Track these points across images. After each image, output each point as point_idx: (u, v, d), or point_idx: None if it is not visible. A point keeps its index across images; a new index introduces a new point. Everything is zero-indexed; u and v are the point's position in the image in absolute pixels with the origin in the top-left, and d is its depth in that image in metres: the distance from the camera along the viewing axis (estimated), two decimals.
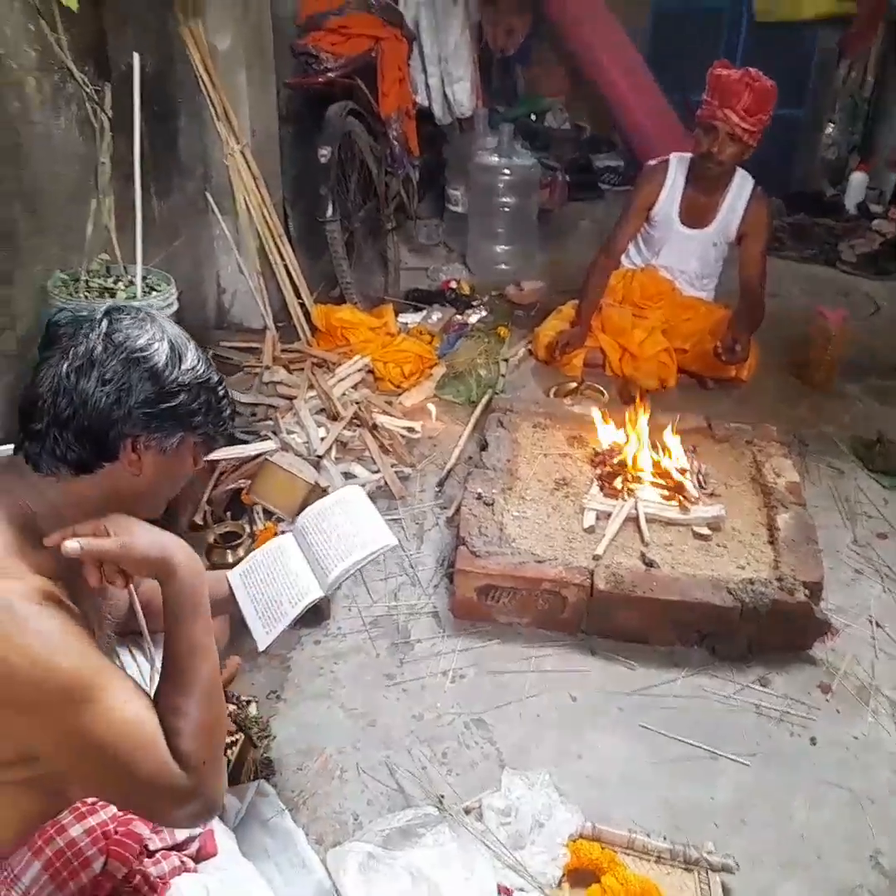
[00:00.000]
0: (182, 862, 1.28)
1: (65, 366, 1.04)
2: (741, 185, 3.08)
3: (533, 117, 5.56)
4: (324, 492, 2.07)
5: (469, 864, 1.49)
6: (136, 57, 2.09)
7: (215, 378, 1.14)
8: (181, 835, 1.30)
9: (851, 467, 2.71)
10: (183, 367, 1.09)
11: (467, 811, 1.60)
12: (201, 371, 1.11)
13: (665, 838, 1.56)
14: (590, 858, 1.49)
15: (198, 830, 1.34)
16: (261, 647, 1.49)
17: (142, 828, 1.22)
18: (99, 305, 1.10)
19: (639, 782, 1.70)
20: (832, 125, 5.38)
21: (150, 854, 1.24)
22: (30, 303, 2.07)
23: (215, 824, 1.42)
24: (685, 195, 3.11)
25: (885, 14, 5.11)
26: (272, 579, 1.53)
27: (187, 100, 2.90)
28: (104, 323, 1.06)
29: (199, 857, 1.33)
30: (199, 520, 2.28)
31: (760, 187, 3.12)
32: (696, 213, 3.13)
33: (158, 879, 1.21)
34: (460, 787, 1.67)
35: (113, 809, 1.21)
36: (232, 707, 1.81)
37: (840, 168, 5.39)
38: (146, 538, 1.06)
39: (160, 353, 1.07)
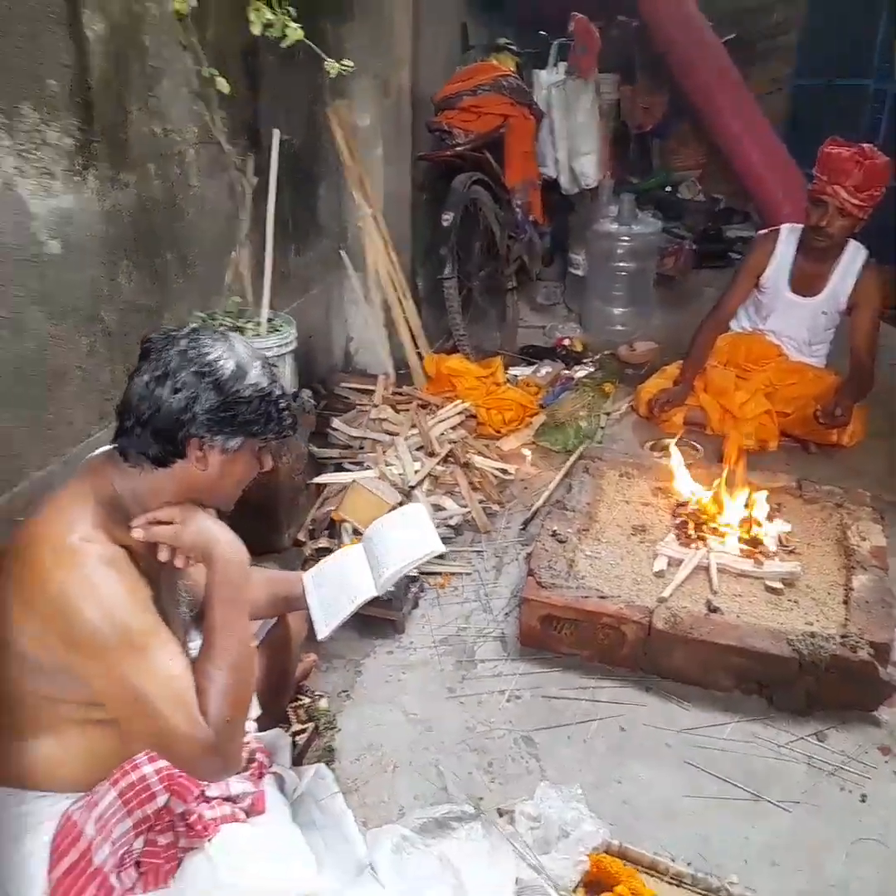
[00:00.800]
0: (233, 812, 1.46)
1: (147, 375, 1.25)
2: (853, 256, 3.10)
3: (668, 189, 5.72)
4: None
5: (494, 859, 1.59)
6: (275, 133, 2.44)
7: (277, 392, 1.31)
8: (236, 788, 1.48)
9: None
10: (246, 381, 1.27)
11: (501, 813, 1.70)
12: (263, 385, 1.29)
13: (689, 864, 1.60)
14: (609, 870, 1.56)
15: (251, 788, 1.52)
16: (319, 637, 1.69)
17: None
18: (188, 326, 1.34)
19: (674, 813, 1.74)
20: None
21: (207, 800, 1.43)
22: None
23: (269, 788, 1.59)
24: (796, 264, 3.16)
25: None
26: (337, 580, 1.73)
27: (329, 169, 3.28)
28: (184, 341, 1.27)
29: (250, 812, 1.51)
30: (301, 537, 2.53)
31: (874, 259, 3.12)
32: (806, 282, 3.16)
33: (211, 821, 1.39)
34: (499, 794, 1.77)
35: None
36: (305, 699, 2.01)
37: None
38: (196, 529, 1.29)
39: (226, 368, 1.26)
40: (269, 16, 2.24)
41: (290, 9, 2.29)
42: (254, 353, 1.33)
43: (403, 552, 1.66)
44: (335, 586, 1.71)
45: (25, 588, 1.20)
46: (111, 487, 1.29)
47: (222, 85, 2.27)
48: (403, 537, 1.68)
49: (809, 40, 5.41)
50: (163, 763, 1.37)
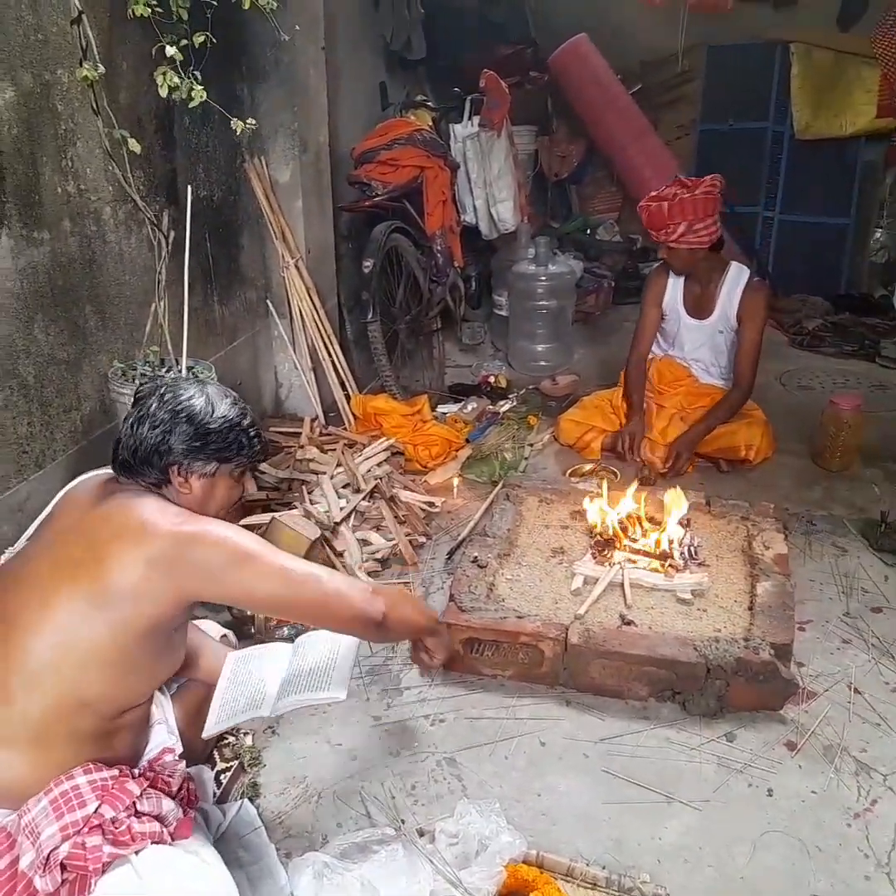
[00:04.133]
0: (161, 831, 1.47)
1: (132, 418, 1.52)
2: (736, 276, 3.30)
3: (588, 231, 5.97)
4: (324, 547, 2.32)
5: (412, 878, 1.63)
6: (188, 188, 2.53)
7: (247, 422, 1.55)
8: (166, 808, 1.49)
9: (857, 546, 2.76)
10: (215, 414, 1.51)
11: (421, 833, 1.74)
12: (231, 416, 1.53)
13: (604, 867, 1.65)
14: (525, 879, 1.60)
15: (179, 813, 1.52)
16: (204, 734, 1.66)
17: (134, 787, 1.43)
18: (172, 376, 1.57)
19: (591, 820, 1.80)
20: (880, 230, 5.51)
21: (138, 814, 1.44)
22: (94, 387, 2.47)
23: (196, 822, 1.61)
24: (686, 289, 3.37)
25: None
26: (250, 678, 1.72)
27: (250, 222, 3.39)
28: (164, 388, 1.54)
29: (175, 836, 1.52)
30: None
31: (758, 279, 3.35)
32: (698, 305, 3.37)
33: (139, 834, 1.40)
34: (421, 815, 1.81)
35: (115, 771, 1.44)
36: (231, 738, 2.03)
37: (890, 270, 5.49)
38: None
39: (196, 404, 1.51)
40: (176, 79, 2.35)
41: (197, 73, 2.41)
42: (224, 392, 1.58)
43: (312, 686, 1.64)
44: (245, 685, 1.70)
45: (171, 563, 1.39)
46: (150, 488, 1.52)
47: (134, 145, 2.36)
48: (322, 667, 1.67)
49: (712, 88, 5.73)
50: (97, 775, 1.41)
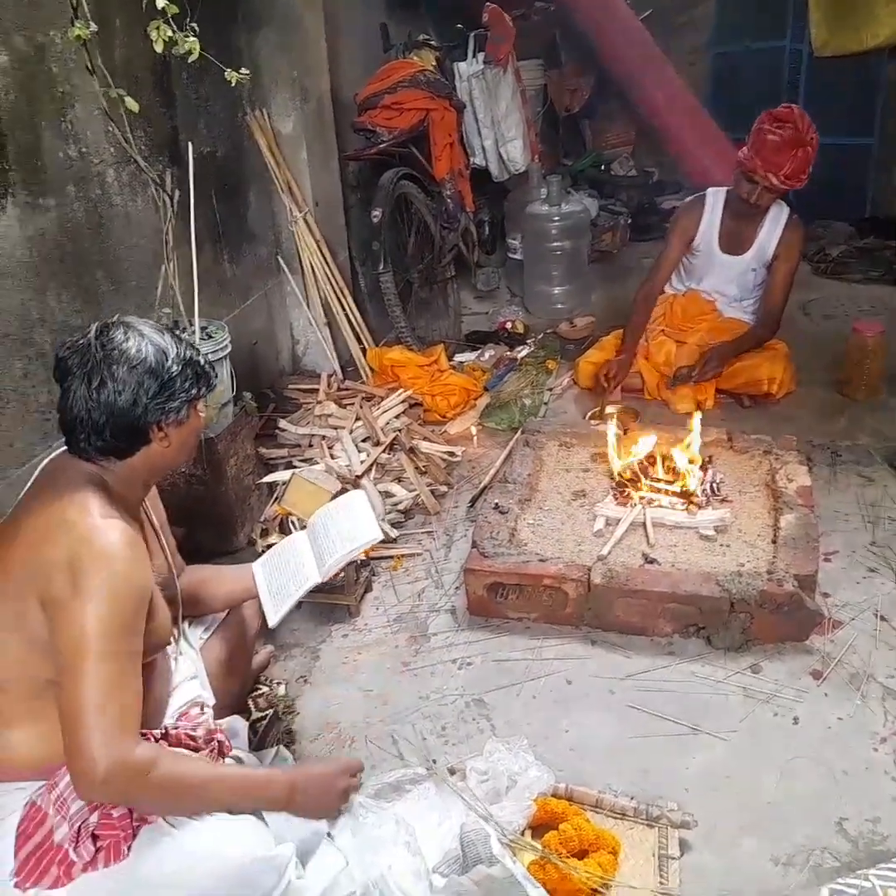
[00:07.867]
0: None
1: (84, 388, 1.37)
2: (777, 214, 3.23)
3: (602, 167, 5.82)
4: None
5: (445, 814, 1.67)
6: (189, 145, 2.50)
7: (192, 353, 1.47)
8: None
9: (883, 475, 2.73)
10: (170, 358, 1.42)
11: (452, 772, 1.78)
12: (183, 353, 1.44)
13: (632, 798, 1.69)
14: (555, 811, 1.64)
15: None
16: (271, 624, 1.78)
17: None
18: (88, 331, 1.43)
19: (619, 754, 1.83)
20: None
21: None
22: None
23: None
24: (724, 225, 3.28)
25: None
26: (284, 568, 1.83)
27: (256, 176, 3.35)
28: (97, 344, 1.38)
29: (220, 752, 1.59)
30: (255, 536, 2.60)
31: (796, 216, 3.26)
32: (734, 241, 3.29)
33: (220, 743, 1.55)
34: (452, 754, 1.86)
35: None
36: (264, 688, 2.09)
37: None
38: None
39: (149, 354, 1.40)
40: (170, 33, 2.30)
41: (194, 25, 2.35)
42: (158, 327, 1.46)
43: (345, 540, 1.76)
44: (283, 574, 1.80)
45: (41, 567, 1.30)
46: (100, 477, 1.43)
47: (131, 104, 2.32)
48: (346, 525, 1.78)
49: (725, 7, 5.52)
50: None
